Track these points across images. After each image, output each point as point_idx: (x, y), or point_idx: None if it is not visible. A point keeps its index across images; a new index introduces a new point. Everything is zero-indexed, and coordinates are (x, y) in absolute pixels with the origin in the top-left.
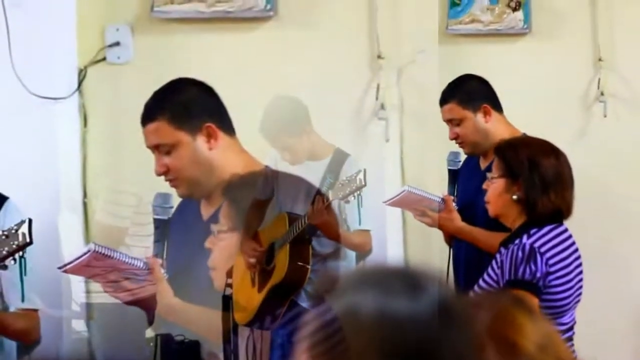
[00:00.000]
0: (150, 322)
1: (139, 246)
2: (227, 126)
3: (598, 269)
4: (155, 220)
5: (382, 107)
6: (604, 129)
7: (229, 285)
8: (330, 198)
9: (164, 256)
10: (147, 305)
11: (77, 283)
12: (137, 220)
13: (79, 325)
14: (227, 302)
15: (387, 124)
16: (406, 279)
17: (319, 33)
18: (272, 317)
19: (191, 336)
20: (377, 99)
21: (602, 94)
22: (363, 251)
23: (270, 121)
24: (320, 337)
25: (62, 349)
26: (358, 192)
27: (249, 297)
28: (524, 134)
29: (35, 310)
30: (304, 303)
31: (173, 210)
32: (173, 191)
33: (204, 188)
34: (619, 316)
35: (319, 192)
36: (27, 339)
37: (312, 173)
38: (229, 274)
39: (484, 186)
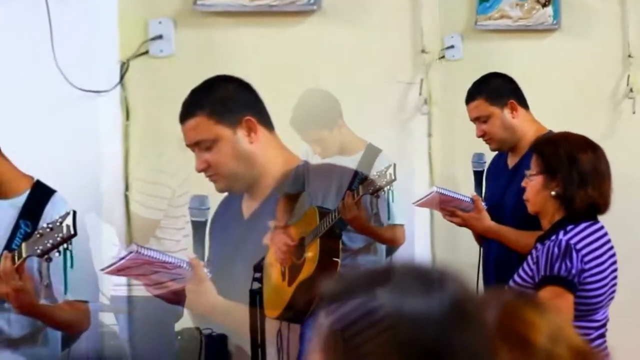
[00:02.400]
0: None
1: (169, 239)
2: (266, 121)
3: (628, 266)
4: (193, 222)
5: (425, 102)
6: (633, 125)
7: (257, 280)
8: (361, 193)
9: (204, 256)
10: (193, 305)
11: (106, 276)
12: (170, 213)
13: (108, 318)
14: (254, 297)
15: (430, 118)
16: (422, 278)
17: (363, 27)
18: (301, 311)
19: (219, 329)
20: (420, 94)
21: (631, 90)
22: (395, 245)
23: (301, 114)
24: (332, 338)
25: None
26: (388, 186)
27: (279, 291)
28: (550, 130)
29: (85, 302)
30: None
31: (210, 212)
32: (210, 193)
33: (244, 182)
34: None
35: (353, 181)
36: (75, 330)
37: None
38: (257, 268)
39: (523, 184)
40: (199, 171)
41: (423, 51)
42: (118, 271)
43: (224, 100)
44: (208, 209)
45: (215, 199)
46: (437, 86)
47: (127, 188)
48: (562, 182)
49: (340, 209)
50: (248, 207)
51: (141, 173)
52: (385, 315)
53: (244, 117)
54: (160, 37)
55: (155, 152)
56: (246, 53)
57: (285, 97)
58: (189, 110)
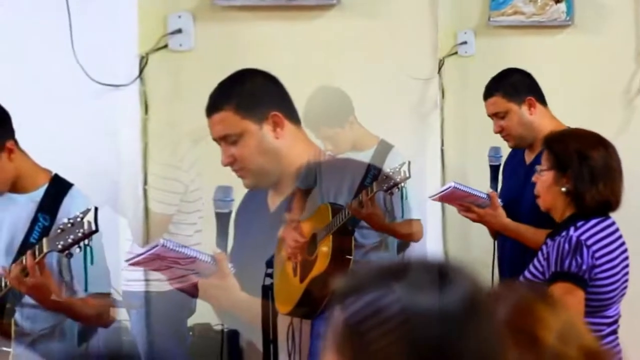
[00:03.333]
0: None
1: (182, 235)
2: (293, 116)
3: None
4: (217, 214)
5: (443, 97)
6: None
7: (269, 275)
8: (375, 190)
9: (227, 250)
10: (216, 300)
11: (119, 271)
12: (182, 208)
13: (121, 314)
14: (266, 292)
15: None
16: (436, 273)
17: (382, 22)
18: (313, 307)
19: (230, 325)
20: (439, 89)
21: None
22: (412, 240)
23: (313, 111)
24: (346, 333)
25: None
26: (402, 184)
27: (291, 287)
28: (568, 127)
29: (108, 294)
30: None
31: (233, 203)
32: (235, 183)
33: (271, 178)
34: None
35: (365, 178)
36: (101, 323)
37: None
38: (269, 263)
39: (534, 179)
40: (225, 165)
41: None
42: (142, 264)
43: (251, 95)
44: (232, 200)
45: (240, 190)
46: (449, 82)
47: (145, 182)
48: (572, 178)
49: (354, 205)
50: (274, 200)
51: (155, 168)
52: (400, 310)
53: (270, 112)
54: (179, 31)
55: (174, 147)
56: (265, 47)
57: (303, 92)
58: (216, 103)
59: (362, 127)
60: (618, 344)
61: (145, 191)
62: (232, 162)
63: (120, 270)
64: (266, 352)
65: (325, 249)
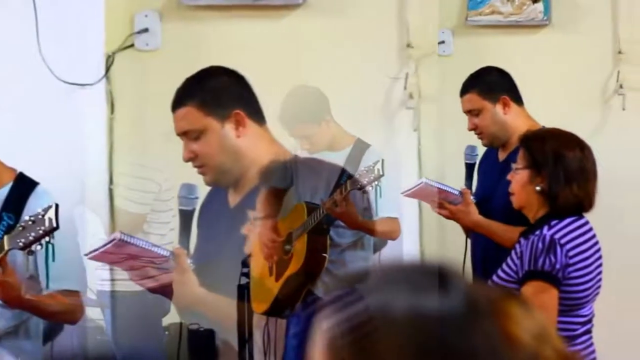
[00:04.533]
0: (181, 316)
1: (156, 234)
2: (256, 115)
3: (614, 263)
4: (181, 211)
5: (411, 96)
6: (623, 122)
7: (245, 275)
8: (349, 188)
9: (189, 247)
10: (174, 295)
11: (93, 271)
12: (156, 207)
13: (95, 313)
14: (242, 291)
15: (415, 113)
16: (433, 275)
17: (348, 21)
18: (288, 306)
19: (206, 324)
20: (405, 88)
21: (621, 86)
22: (390, 238)
23: (289, 110)
24: (345, 335)
25: (75, 338)
26: (376, 182)
27: (267, 286)
28: (543, 126)
29: (75, 292)
30: (320, 293)
31: (198, 201)
32: (198, 182)
33: (231, 176)
34: (633, 312)
35: (340, 178)
36: (68, 320)
37: None
38: (245, 263)
39: (509, 177)
40: (186, 160)
41: (409, 46)
42: (101, 257)
43: (214, 92)
44: (197, 198)
45: (204, 189)
46: (427, 81)
47: (111, 181)
48: (547, 178)
49: (328, 204)
50: (234, 198)
51: (127, 168)
52: (404, 314)
53: (233, 110)
54: (146, 30)
55: (140, 146)
56: (232, 47)
57: (270, 91)
58: (180, 99)
59: (338, 127)
60: (592, 344)
61: (110, 190)
62: (193, 158)
63: (95, 270)
64: (241, 352)
65: (300, 247)
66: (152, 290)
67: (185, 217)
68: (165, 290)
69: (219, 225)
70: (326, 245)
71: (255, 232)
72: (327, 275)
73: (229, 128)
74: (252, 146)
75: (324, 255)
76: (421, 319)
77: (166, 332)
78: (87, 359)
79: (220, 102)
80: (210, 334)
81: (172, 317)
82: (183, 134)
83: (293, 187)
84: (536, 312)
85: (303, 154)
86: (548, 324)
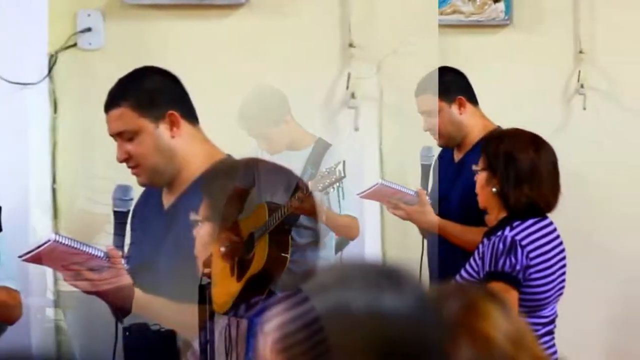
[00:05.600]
0: (116, 316)
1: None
2: (190, 115)
3: (577, 263)
4: (115, 213)
5: (353, 96)
6: (584, 121)
7: (206, 275)
8: (310, 189)
9: (124, 248)
10: (110, 297)
11: (51, 271)
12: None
13: (56, 314)
14: (203, 292)
15: (357, 113)
16: (388, 275)
17: (291, 20)
18: (249, 306)
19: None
20: (347, 87)
21: (582, 86)
22: (350, 235)
23: (248, 110)
24: (296, 333)
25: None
26: (338, 183)
27: (228, 286)
28: (498, 126)
29: (15, 291)
30: (281, 293)
31: (133, 202)
32: (133, 183)
33: (165, 176)
34: (596, 313)
35: (299, 183)
36: (5, 315)
37: (293, 163)
38: (206, 263)
39: (475, 178)
40: (120, 161)
41: (351, 45)
42: (36, 259)
43: (149, 93)
44: (131, 199)
45: (140, 190)
46: (389, 80)
47: (54, 181)
48: (500, 179)
49: (290, 204)
50: (168, 199)
51: (73, 167)
52: (362, 313)
53: (167, 111)
54: (89, 29)
55: (84, 145)
56: (175, 46)
57: (211, 90)
58: (114, 100)
59: (298, 126)
60: (554, 345)
61: (54, 190)
62: (127, 159)
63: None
64: (203, 353)
65: (262, 248)
66: (88, 293)
67: (120, 218)
68: (100, 293)
69: (153, 227)
70: (288, 245)
71: (201, 233)
72: (288, 275)
73: (163, 129)
74: (186, 147)
75: (285, 255)
76: (379, 318)
77: (127, 333)
78: None
79: (154, 102)
80: (171, 335)
81: (133, 318)
82: (117, 135)
83: (255, 187)
84: (515, 315)
85: (262, 154)
86: (526, 329)
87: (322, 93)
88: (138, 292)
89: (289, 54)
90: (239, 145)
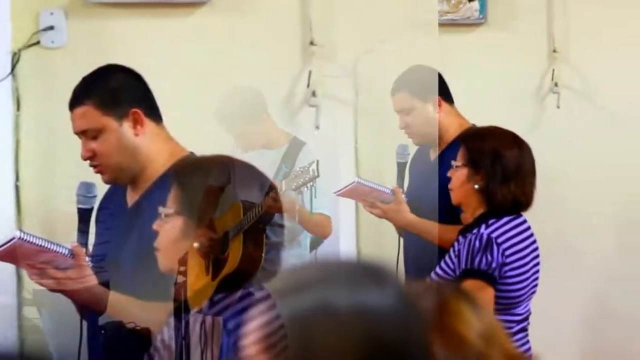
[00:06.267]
0: (81, 314)
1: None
2: (154, 113)
3: (550, 261)
4: (79, 210)
5: (314, 94)
6: (557, 120)
7: (182, 273)
8: (284, 188)
9: (87, 245)
10: (76, 295)
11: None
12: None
13: (31, 312)
14: (179, 290)
15: (318, 111)
16: (369, 272)
17: (252, 19)
18: (225, 304)
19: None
20: (308, 86)
21: (556, 85)
22: (323, 234)
23: (225, 108)
24: (279, 331)
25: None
26: (311, 183)
27: (203, 285)
28: (473, 124)
29: None
30: (256, 291)
31: (96, 199)
32: (97, 180)
33: (129, 174)
34: (569, 311)
35: (277, 174)
36: None
37: (268, 161)
38: (182, 261)
39: (449, 174)
40: (84, 159)
41: (312, 43)
42: (1, 257)
43: (112, 91)
44: (95, 196)
45: (104, 187)
46: (363, 80)
47: (17, 179)
48: (485, 176)
49: (264, 203)
50: (131, 196)
51: (37, 165)
52: (346, 310)
53: (131, 109)
54: (51, 28)
55: (47, 143)
56: (138, 44)
57: (175, 89)
58: (78, 98)
59: (274, 125)
60: (528, 342)
61: (17, 187)
62: (91, 157)
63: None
64: (179, 350)
65: (236, 246)
66: (54, 290)
67: (84, 215)
68: (67, 291)
69: (117, 224)
70: (262, 244)
71: (166, 227)
72: (263, 274)
73: (126, 127)
74: (149, 144)
75: (260, 254)
76: (363, 316)
77: (102, 331)
78: (23, 359)
79: (118, 101)
80: (147, 333)
81: (108, 316)
82: (81, 133)
83: (230, 185)
84: (486, 312)
85: (238, 151)
86: (497, 325)
87: (283, 91)
88: (100, 289)
89: (251, 52)
90: (203, 143)
